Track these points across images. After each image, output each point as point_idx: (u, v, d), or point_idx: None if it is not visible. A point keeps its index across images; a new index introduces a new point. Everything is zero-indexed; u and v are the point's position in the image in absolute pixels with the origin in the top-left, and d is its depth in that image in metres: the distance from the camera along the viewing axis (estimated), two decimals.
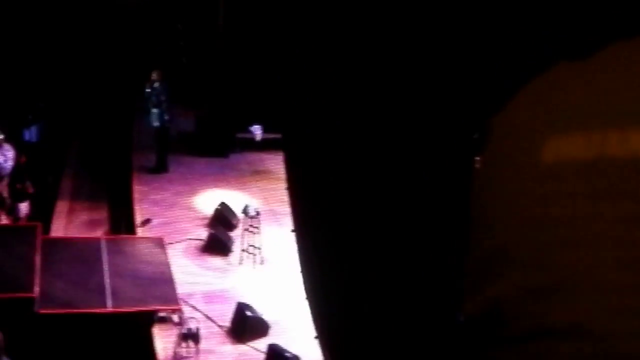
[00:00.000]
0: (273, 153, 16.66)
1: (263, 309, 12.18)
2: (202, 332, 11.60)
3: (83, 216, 16.01)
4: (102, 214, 16.21)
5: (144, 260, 13.19)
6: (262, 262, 13.82)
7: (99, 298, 12.00)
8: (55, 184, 16.95)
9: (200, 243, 14.38)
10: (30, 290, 11.75)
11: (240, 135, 18.35)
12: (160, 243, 13.81)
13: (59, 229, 15.26)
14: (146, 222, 14.84)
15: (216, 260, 13.99)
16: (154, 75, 16.89)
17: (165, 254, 13.47)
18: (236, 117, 18.23)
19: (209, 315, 12.27)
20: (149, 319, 11.95)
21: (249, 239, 13.91)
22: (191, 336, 11.48)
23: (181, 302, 12.26)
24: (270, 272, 13.57)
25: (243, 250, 13.92)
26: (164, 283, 12.61)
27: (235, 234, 14.49)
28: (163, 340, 11.65)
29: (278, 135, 13.20)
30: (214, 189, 16.56)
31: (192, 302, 12.51)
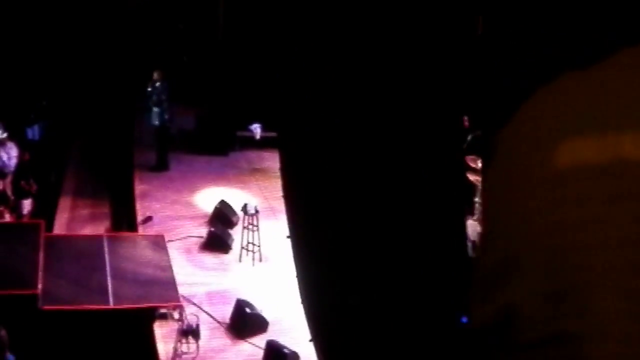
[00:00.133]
0: (272, 151, 16.67)
1: (262, 306, 12.27)
2: (202, 329, 11.72)
3: (85, 213, 16.11)
4: (104, 212, 16.31)
5: (145, 257, 13.29)
6: (261, 260, 13.92)
7: (101, 295, 12.11)
8: (58, 182, 17.04)
9: (201, 240, 14.48)
10: (34, 287, 11.84)
11: (240, 133, 18.45)
12: (161, 240, 13.90)
13: (61, 226, 15.36)
14: (147, 219, 14.94)
15: (216, 258, 14.09)
16: (156, 75, 17.02)
17: (165, 251, 13.56)
18: (236, 116, 18.32)
19: (209, 311, 12.38)
20: (149, 316, 12.05)
21: (249, 236, 14.01)
22: (191, 332, 11.59)
23: (181, 299, 12.33)
24: (269, 269, 13.66)
25: (242, 248, 14.02)
26: (164, 280, 12.71)
27: (235, 231, 14.59)
28: (164, 336, 11.76)
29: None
30: (214, 186, 16.66)
31: (192, 299, 12.59)
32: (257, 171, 17.32)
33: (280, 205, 13.53)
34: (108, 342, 11.59)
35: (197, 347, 11.48)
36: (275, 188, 15.04)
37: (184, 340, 11.47)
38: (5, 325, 10.73)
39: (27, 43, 19.79)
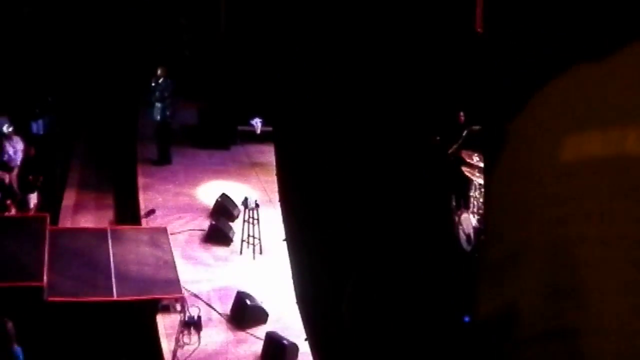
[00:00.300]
0: (273, 145, 16.79)
1: (262, 298, 12.35)
2: (204, 320, 11.77)
3: (90, 206, 16.18)
4: (108, 204, 16.39)
5: (148, 250, 13.35)
6: (261, 252, 14.00)
7: (105, 287, 12.18)
8: (63, 176, 17.10)
9: (202, 233, 14.55)
10: (40, 279, 11.90)
11: (241, 128, 18.51)
12: (163, 233, 13.97)
13: (66, 219, 15.44)
14: (150, 212, 15.02)
15: (217, 250, 14.16)
16: (160, 71, 17.07)
17: (168, 244, 13.62)
18: (237, 111, 18.39)
19: (210, 303, 12.45)
20: (152, 307, 12.12)
21: (249, 229, 14.10)
22: (193, 323, 11.64)
23: (183, 291, 12.40)
24: (269, 261, 13.73)
25: (243, 241, 14.10)
26: (167, 272, 12.78)
27: (236, 224, 14.68)
28: (166, 327, 11.82)
29: None
30: (216, 180, 16.74)
31: (194, 290, 12.67)
32: (257, 165, 17.39)
33: None
34: (112, 333, 11.67)
35: (199, 338, 11.55)
36: (275, 181, 15.08)
37: (185, 332, 11.52)
38: (11, 317, 10.82)
39: (32, 40, 19.83)
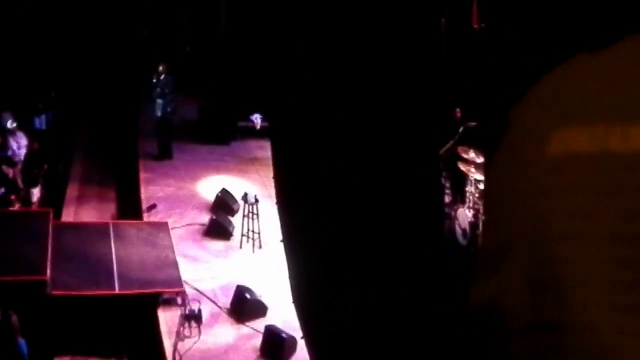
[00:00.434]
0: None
1: (261, 291, 12.40)
2: (204, 313, 11.86)
3: (92, 201, 16.23)
4: (111, 199, 16.44)
5: (149, 244, 13.40)
6: (260, 246, 14.05)
7: (107, 281, 12.23)
8: (66, 170, 17.15)
9: (203, 228, 14.60)
10: (43, 273, 11.96)
11: (241, 123, 18.55)
12: (164, 228, 14.02)
13: (69, 213, 15.49)
14: (151, 207, 15.07)
15: (217, 244, 14.21)
16: (161, 68, 17.12)
17: (169, 238, 13.67)
18: (237, 106, 18.42)
19: (211, 297, 12.50)
20: (154, 301, 12.17)
21: (249, 224, 14.15)
22: (194, 317, 11.73)
23: (184, 285, 12.45)
24: (268, 255, 13.78)
25: (243, 235, 14.15)
26: (168, 266, 12.82)
27: (236, 219, 14.73)
28: (167, 320, 11.87)
29: None
30: (216, 175, 16.79)
31: (194, 284, 12.71)
32: (257, 160, 17.43)
33: None
34: (114, 326, 11.74)
35: (199, 331, 11.63)
36: None
37: (186, 325, 11.61)
38: (15, 311, 10.90)
39: (35, 36, 19.86)
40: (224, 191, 15.37)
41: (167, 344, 11.43)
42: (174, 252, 13.29)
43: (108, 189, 16.78)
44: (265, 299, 12.26)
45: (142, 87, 18.54)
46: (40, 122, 18.05)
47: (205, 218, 14.85)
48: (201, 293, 12.54)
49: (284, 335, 11.14)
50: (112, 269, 12.52)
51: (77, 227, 14.02)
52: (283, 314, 12.03)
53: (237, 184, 15.95)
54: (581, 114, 0.78)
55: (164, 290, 12.35)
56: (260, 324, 11.82)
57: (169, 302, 12.25)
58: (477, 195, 14.19)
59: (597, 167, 0.75)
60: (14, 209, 14.59)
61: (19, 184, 15.17)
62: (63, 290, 11.83)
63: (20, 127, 15.94)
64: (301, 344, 10.75)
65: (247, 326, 11.93)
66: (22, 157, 15.59)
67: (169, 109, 17.20)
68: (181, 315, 11.76)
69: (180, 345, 11.32)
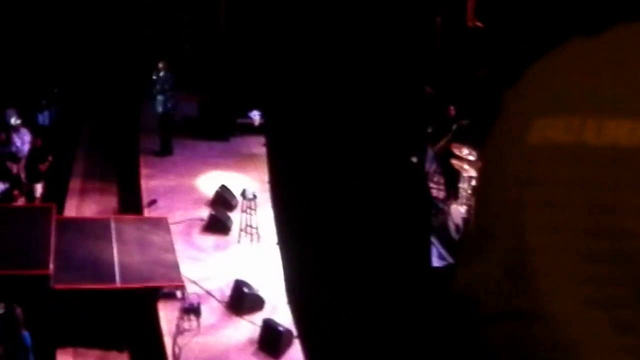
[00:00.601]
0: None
1: (259, 285, 12.46)
2: (203, 307, 11.92)
3: (94, 195, 16.31)
4: (112, 194, 16.52)
5: (150, 239, 13.48)
6: (258, 241, 14.12)
7: (108, 275, 12.32)
8: (68, 165, 17.22)
9: (202, 223, 14.67)
10: (46, 267, 12.05)
11: (240, 120, 18.60)
12: (164, 223, 14.10)
13: (71, 208, 15.57)
14: (152, 202, 15.15)
15: (216, 239, 14.28)
16: (161, 65, 17.20)
17: (169, 233, 13.76)
18: (237, 103, 18.45)
19: (210, 291, 12.58)
20: (154, 295, 12.26)
21: (247, 219, 14.22)
22: (193, 310, 11.79)
23: (184, 279, 12.54)
24: (266, 250, 13.83)
25: (241, 230, 14.23)
26: (167, 261, 12.91)
27: (234, 214, 14.80)
28: (167, 314, 11.97)
29: None
30: (215, 170, 16.84)
31: (193, 278, 12.78)
32: (255, 156, 17.45)
33: None
34: (115, 319, 11.83)
35: (198, 324, 11.70)
36: None
37: (185, 318, 11.67)
38: (19, 304, 10.99)
39: (38, 34, 19.91)
40: (223, 187, 15.46)
41: (167, 336, 11.52)
42: (173, 247, 13.37)
43: (110, 184, 16.87)
44: (262, 293, 12.33)
45: (143, 84, 18.59)
46: (43, 118, 18.13)
47: (205, 213, 14.92)
48: (200, 287, 12.60)
49: (281, 328, 11.21)
50: (113, 264, 12.61)
51: (79, 222, 14.11)
52: (280, 307, 12.10)
53: (235, 180, 16.02)
54: (561, 103, 0.77)
55: (164, 285, 12.43)
56: (258, 318, 11.91)
57: (169, 296, 12.33)
58: (470, 191, 14.29)
59: (571, 159, 0.74)
60: (18, 204, 14.66)
61: (22, 180, 15.23)
62: (65, 284, 11.91)
63: (23, 124, 16.01)
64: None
65: (245, 320, 12.01)
66: (25, 153, 15.65)
67: (169, 105, 17.30)
68: (180, 308, 11.83)
69: (179, 338, 11.37)
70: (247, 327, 11.87)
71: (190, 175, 16.57)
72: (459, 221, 14.39)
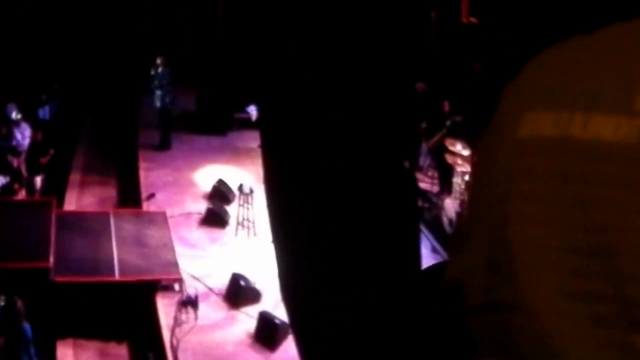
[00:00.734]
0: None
1: (255, 278, 12.50)
2: (200, 300, 12.00)
3: (94, 189, 16.35)
4: (111, 188, 16.56)
5: (148, 233, 13.52)
6: (255, 235, 14.17)
7: (107, 267, 12.37)
8: (68, 159, 17.25)
9: (199, 216, 14.71)
10: (46, 260, 12.08)
11: (237, 115, 18.64)
12: (162, 217, 14.14)
13: (71, 201, 15.61)
14: (150, 196, 15.20)
15: (213, 233, 14.32)
16: (159, 61, 17.24)
17: (167, 227, 13.79)
18: (234, 98, 18.49)
19: (207, 283, 12.63)
20: (152, 287, 12.32)
21: (244, 213, 14.28)
22: (190, 303, 11.88)
23: (181, 272, 12.58)
24: (262, 243, 13.88)
25: (238, 224, 14.28)
26: (166, 254, 12.96)
27: (231, 208, 14.85)
28: (165, 306, 12.02)
29: None
30: (213, 165, 16.89)
31: (191, 271, 12.83)
32: (252, 150, 17.48)
33: None
34: (114, 311, 11.86)
35: (196, 316, 11.78)
36: None
37: (183, 311, 11.75)
38: (20, 296, 11.04)
39: (39, 30, 19.93)
40: (220, 181, 15.51)
41: (165, 328, 11.58)
42: (171, 240, 13.41)
43: (109, 177, 16.91)
44: (259, 286, 12.37)
45: (142, 80, 18.62)
46: (44, 112, 18.16)
47: (202, 207, 14.96)
48: (198, 280, 12.65)
49: (277, 321, 11.27)
50: (112, 257, 12.65)
51: (79, 216, 14.14)
52: (276, 300, 12.16)
53: (233, 174, 16.07)
54: (552, 98, 0.77)
55: (162, 278, 12.48)
56: (254, 310, 11.96)
57: (167, 289, 12.38)
58: (463, 186, 14.37)
59: (557, 152, 0.74)
60: (19, 197, 14.70)
61: (23, 173, 15.27)
62: (65, 277, 11.96)
63: (24, 118, 16.04)
64: None
65: (242, 312, 12.07)
66: (26, 147, 15.68)
67: (167, 100, 17.34)
68: (178, 301, 11.91)
69: (177, 329, 11.46)
70: (244, 320, 11.91)
71: (188, 169, 16.62)
72: (452, 215, 14.47)
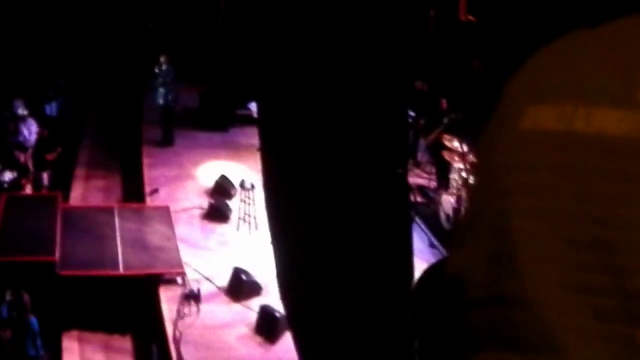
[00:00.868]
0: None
1: (256, 272, 12.55)
2: (203, 293, 12.09)
3: (98, 184, 16.43)
4: (116, 183, 16.63)
5: (152, 227, 13.57)
6: (256, 229, 14.23)
7: (112, 262, 12.42)
8: (74, 155, 17.33)
9: (202, 211, 14.79)
10: (52, 254, 12.14)
11: (239, 111, 18.70)
12: (166, 211, 14.20)
13: (76, 196, 15.69)
14: (154, 191, 15.27)
15: (216, 227, 14.38)
16: (162, 59, 17.32)
17: (170, 221, 13.85)
18: (236, 95, 18.55)
19: (209, 277, 12.70)
20: (155, 281, 12.38)
21: (245, 208, 14.34)
22: (193, 296, 11.96)
23: (184, 266, 12.63)
24: (263, 238, 13.91)
25: (240, 219, 14.35)
26: (169, 248, 13.00)
27: (233, 203, 14.92)
28: (168, 299, 12.09)
29: None
30: (215, 160, 16.94)
31: (194, 265, 12.89)
32: (254, 146, 17.51)
33: None
34: (118, 304, 11.96)
35: (198, 309, 11.86)
36: None
37: (186, 304, 11.83)
38: (26, 290, 11.13)
39: (45, 28, 19.99)
40: (223, 177, 15.58)
41: (168, 321, 11.64)
42: (174, 234, 13.47)
43: (113, 173, 16.96)
44: (260, 280, 12.42)
45: (145, 77, 18.69)
46: (51, 109, 18.24)
47: (205, 202, 15.03)
48: (200, 274, 12.71)
49: (277, 314, 11.29)
50: (117, 251, 12.71)
51: (85, 211, 14.21)
52: (277, 294, 12.21)
53: (234, 169, 16.11)
54: (555, 91, 0.76)
55: (165, 271, 12.54)
56: (255, 304, 12.02)
57: (170, 282, 12.44)
58: (460, 182, 14.43)
59: (560, 146, 0.73)
60: (25, 192, 14.77)
61: (29, 168, 15.36)
62: (71, 271, 12.02)
63: (31, 114, 16.12)
64: None
65: (243, 305, 12.14)
66: (32, 143, 15.76)
67: (170, 98, 17.43)
68: (181, 294, 11.99)
69: (180, 322, 11.53)
70: (245, 313, 11.97)
71: (190, 165, 16.68)
72: (449, 210, 14.53)
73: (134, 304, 12.04)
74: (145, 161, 16.65)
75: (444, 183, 15.40)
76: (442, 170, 15.62)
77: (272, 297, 12.00)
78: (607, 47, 0.76)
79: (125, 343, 11.84)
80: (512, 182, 0.76)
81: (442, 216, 14.72)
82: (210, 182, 15.73)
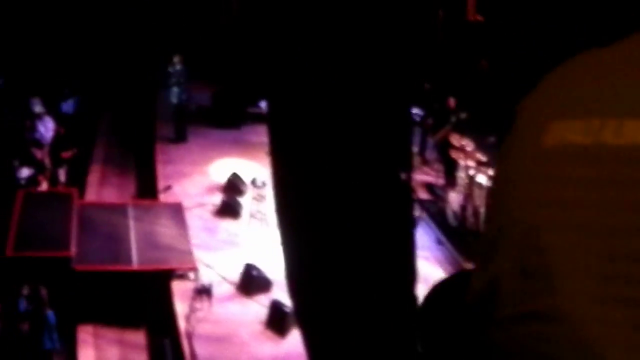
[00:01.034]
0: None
1: (267, 268, 12.60)
2: (214, 288, 12.13)
3: (113, 181, 16.49)
4: (130, 180, 16.70)
5: (165, 223, 13.60)
6: (267, 226, 14.27)
7: (126, 257, 12.47)
8: (89, 152, 17.41)
9: (214, 208, 14.84)
10: (68, 249, 12.21)
11: (251, 109, 18.75)
12: (179, 208, 14.24)
13: (91, 192, 15.75)
14: (167, 188, 15.33)
15: (227, 224, 14.45)
16: (176, 59, 17.39)
17: (183, 218, 13.89)
18: (248, 93, 18.60)
19: (221, 273, 12.76)
20: (168, 276, 12.43)
21: (257, 205, 14.40)
22: (205, 291, 12.00)
23: (196, 261, 12.69)
24: (274, 235, 13.97)
25: (251, 216, 14.40)
26: (181, 244, 13.04)
27: (245, 200, 14.98)
28: (180, 294, 12.14)
29: None
30: (227, 157, 17.00)
31: (206, 261, 12.95)
32: (265, 144, 17.49)
33: None
34: (132, 298, 12.04)
35: (210, 304, 11.92)
36: None
37: (198, 298, 11.88)
38: (44, 284, 11.22)
39: (62, 27, 20.08)
40: (235, 175, 15.63)
41: (180, 315, 11.70)
42: (187, 230, 13.51)
43: (128, 170, 17.03)
44: (271, 276, 12.47)
45: (159, 76, 18.76)
46: (67, 106, 18.31)
47: (217, 199, 15.08)
48: (212, 269, 12.78)
49: (287, 309, 11.31)
50: (131, 246, 12.76)
51: (99, 207, 14.25)
52: (287, 289, 12.26)
53: (246, 166, 16.17)
54: (578, 107, 0.75)
55: (178, 267, 12.58)
56: (266, 299, 12.07)
57: (183, 278, 12.49)
58: (467, 180, 14.46)
59: (590, 159, 0.71)
60: (42, 189, 14.86)
61: (46, 165, 15.44)
62: (86, 266, 12.07)
63: (47, 112, 16.20)
64: None
65: (254, 300, 12.20)
66: (48, 140, 15.85)
67: (183, 97, 17.51)
68: (193, 289, 12.03)
69: (192, 317, 11.58)
70: (256, 308, 12.04)
71: (203, 162, 16.74)
72: (456, 208, 14.58)
73: (148, 299, 12.08)
74: (159, 158, 16.71)
75: (451, 181, 15.43)
76: (450, 168, 15.65)
77: (282, 292, 12.07)
78: (627, 62, 0.76)
79: (139, 336, 11.89)
80: (540, 197, 0.75)
81: (449, 213, 14.76)
82: (222, 179, 15.78)
